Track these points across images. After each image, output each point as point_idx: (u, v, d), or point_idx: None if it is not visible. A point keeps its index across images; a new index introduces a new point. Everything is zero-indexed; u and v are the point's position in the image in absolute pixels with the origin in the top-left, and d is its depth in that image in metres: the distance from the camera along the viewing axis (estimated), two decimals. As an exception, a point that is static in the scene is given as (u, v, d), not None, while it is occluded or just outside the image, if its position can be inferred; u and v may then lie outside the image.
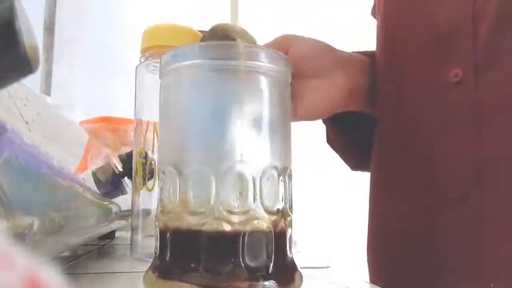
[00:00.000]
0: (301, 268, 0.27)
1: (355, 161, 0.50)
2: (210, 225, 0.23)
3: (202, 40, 0.34)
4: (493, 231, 0.34)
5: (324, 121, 0.46)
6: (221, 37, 0.29)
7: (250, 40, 0.30)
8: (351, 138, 0.48)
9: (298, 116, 0.38)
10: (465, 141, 0.35)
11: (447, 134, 0.37)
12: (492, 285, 0.33)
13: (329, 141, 0.50)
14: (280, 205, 0.25)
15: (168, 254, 0.24)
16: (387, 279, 0.42)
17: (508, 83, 0.34)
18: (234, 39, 0.28)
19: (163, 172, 0.26)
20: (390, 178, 0.43)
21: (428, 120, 0.38)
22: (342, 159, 0.51)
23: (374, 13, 0.49)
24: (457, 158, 0.36)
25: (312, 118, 0.41)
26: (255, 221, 0.24)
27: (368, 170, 0.47)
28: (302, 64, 0.37)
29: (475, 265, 0.35)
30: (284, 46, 0.36)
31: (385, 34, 0.44)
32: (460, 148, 0.36)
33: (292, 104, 0.34)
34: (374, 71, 0.43)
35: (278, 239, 0.25)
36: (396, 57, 0.42)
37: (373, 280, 0.45)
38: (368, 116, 0.44)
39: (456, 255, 0.36)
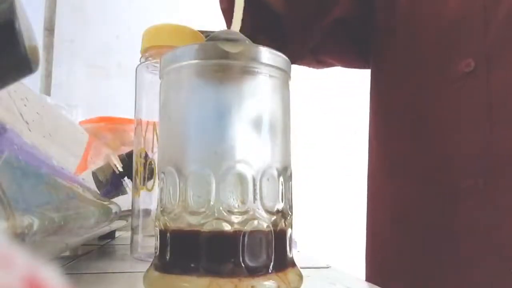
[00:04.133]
0: (301, 268, 0.27)
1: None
2: (210, 225, 0.23)
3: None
4: (509, 219, 0.34)
5: None
6: (222, 39, 0.29)
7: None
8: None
9: None
10: (478, 130, 0.36)
11: (460, 123, 0.37)
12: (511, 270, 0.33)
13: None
14: (280, 205, 0.25)
15: (168, 254, 0.24)
16: (396, 270, 0.42)
17: None
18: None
19: (163, 172, 0.26)
20: (400, 167, 0.43)
21: (441, 110, 0.39)
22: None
23: None
24: (470, 147, 0.36)
25: None
26: (255, 221, 0.24)
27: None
28: None
29: (491, 253, 0.35)
30: None
31: (397, 27, 0.44)
32: (473, 137, 0.36)
33: None
34: None
35: (278, 239, 0.25)
36: (409, 49, 0.42)
37: (370, 274, 0.45)
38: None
39: (472, 243, 0.36)
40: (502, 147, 0.35)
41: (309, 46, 0.50)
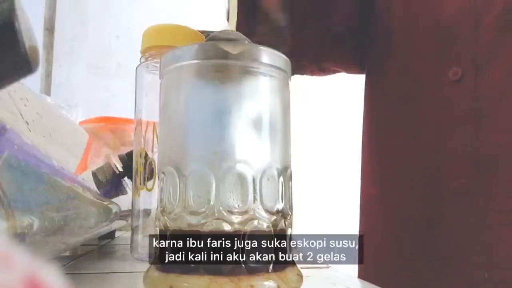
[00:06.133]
0: (301, 268, 0.27)
1: None
2: (210, 225, 0.23)
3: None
4: (496, 220, 0.35)
5: None
6: (222, 40, 0.29)
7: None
8: None
9: None
10: (465, 135, 0.36)
11: (448, 129, 0.37)
12: (486, 275, 0.34)
13: None
14: (280, 205, 0.25)
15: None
16: (384, 270, 0.42)
17: (508, 79, 0.35)
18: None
19: (163, 172, 0.26)
20: (391, 168, 0.43)
21: (432, 114, 0.39)
22: None
23: None
24: (458, 150, 0.37)
25: None
26: (255, 221, 0.24)
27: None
28: None
29: (481, 253, 0.35)
30: None
31: (393, 31, 0.44)
32: (461, 141, 0.36)
33: None
34: None
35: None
36: (404, 54, 0.42)
37: (363, 274, 0.45)
38: None
39: (461, 244, 0.36)
40: (489, 151, 0.35)
41: (309, 55, 0.50)
